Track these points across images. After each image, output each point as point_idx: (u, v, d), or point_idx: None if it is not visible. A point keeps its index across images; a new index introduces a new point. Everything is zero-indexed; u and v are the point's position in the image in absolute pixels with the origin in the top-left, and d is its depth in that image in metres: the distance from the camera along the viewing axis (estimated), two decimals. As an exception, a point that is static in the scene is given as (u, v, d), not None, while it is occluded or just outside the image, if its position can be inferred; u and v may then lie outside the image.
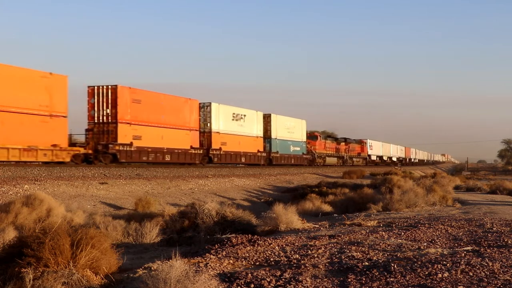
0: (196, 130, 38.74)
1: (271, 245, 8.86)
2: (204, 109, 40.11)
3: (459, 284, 6.17)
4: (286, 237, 9.87)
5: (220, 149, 40.88)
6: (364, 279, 6.48)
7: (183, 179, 27.39)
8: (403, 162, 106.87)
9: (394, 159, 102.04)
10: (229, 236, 10.53)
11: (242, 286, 6.20)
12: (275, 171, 42.39)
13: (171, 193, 23.40)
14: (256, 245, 8.81)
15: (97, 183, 21.62)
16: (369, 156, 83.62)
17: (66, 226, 7.70)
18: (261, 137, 47.97)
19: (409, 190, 19.17)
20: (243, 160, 44.56)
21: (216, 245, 9.00)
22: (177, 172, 30.80)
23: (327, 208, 20.51)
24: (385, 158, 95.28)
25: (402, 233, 10.28)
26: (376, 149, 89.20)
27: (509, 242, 9.06)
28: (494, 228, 10.88)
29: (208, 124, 40.11)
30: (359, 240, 9.40)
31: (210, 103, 40.35)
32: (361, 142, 79.47)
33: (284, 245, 8.87)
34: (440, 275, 6.52)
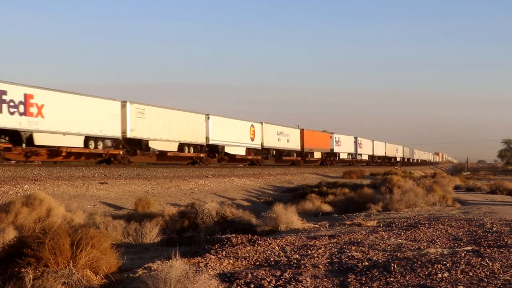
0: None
1: (271, 245, 8.86)
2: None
3: (459, 284, 6.17)
4: (286, 237, 9.87)
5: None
6: (364, 279, 6.48)
7: (183, 179, 27.38)
8: (327, 162, 67.36)
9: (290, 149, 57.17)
10: (229, 236, 10.52)
11: (242, 286, 6.20)
12: (275, 171, 42.41)
13: (171, 193, 23.38)
14: (256, 245, 8.80)
15: (97, 183, 21.62)
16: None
17: (66, 226, 7.70)
18: None
19: (409, 190, 19.17)
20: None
21: (216, 245, 9.00)
22: (177, 172, 30.80)
23: (327, 208, 20.50)
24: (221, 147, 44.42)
25: (402, 233, 10.28)
26: (161, 126, 36.31)
27: (509, 242, 9.07)
28: (494, 228, 10.88)
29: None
30: (359, 240, 9.40)
31: None
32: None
33: (284, 245, 8.87)
34: (440, 275, 6.52)
